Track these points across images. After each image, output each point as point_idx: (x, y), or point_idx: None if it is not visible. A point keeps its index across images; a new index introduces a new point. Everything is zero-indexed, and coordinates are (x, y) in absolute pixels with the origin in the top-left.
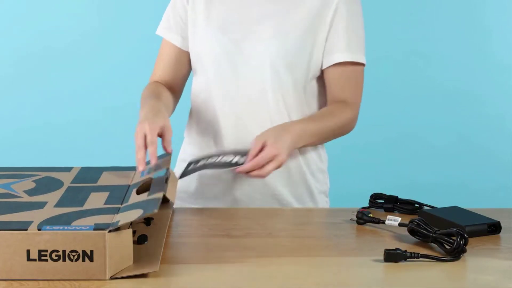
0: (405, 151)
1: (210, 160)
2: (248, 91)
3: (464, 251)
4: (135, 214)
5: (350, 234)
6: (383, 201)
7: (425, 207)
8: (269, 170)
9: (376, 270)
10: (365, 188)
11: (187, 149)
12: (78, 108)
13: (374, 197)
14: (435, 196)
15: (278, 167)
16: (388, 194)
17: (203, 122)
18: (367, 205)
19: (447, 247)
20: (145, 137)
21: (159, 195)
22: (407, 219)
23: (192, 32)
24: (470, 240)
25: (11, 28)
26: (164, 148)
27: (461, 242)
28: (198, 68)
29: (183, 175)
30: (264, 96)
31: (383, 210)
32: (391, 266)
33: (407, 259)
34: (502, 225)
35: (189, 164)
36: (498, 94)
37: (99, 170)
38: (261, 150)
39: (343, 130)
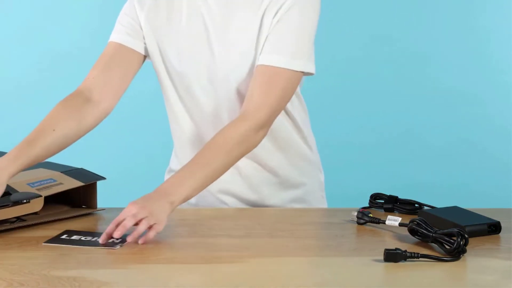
0: (405, 151)
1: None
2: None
3: (464, 251)
4: None
5: (350, 234)
6: (383, 201)
7: (425, 207)
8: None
9: (376, 270)
10: (365, 188)
11: (174, 160)
12: None
13: (374, 197)
14: (435, 196)
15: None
16: (388, 194)
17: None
18: (367, 205)
19: (447, 247)
20: None
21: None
22: (407, 219)
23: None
24: (470, 240)
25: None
26: None
27: (461, 242)
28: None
29: None
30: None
31: (383, 210)
32: (391, 266)
33: (407, 259)
34: (502, 225)
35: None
36: (498, 94)
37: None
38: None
39: (242, 149)
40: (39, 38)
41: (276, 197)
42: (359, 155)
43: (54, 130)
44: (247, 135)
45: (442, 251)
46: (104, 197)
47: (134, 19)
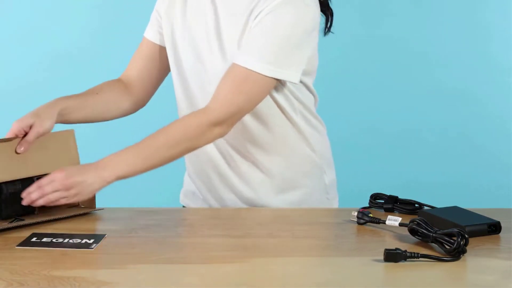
0: (405, 151)
1: None
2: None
3: (464, 251)
4: None
5: (350, 234)
6: (383, 201)
7: (425, 207)
8: (53, 196)
9: (376, 270)
10: (365, 188)
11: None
12: None
13: (374, 197)
14: (435, 196)
15: (67, 200)
16: (388, 194)
17: None
18: (367, 205)
19: (447, 247)
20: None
21: None
22: (407, 219)
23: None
24: (470, 240)
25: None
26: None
27: (462, 242)
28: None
29: None
30: None
31: (383, 210)
32: (391, 266)
33: (407, 259)
34: (502, 225)
35: None
36: (498, 94)
37: None
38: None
39: (191, 140)
40: (39, 38)
41: (273, 198)
42: (359, 155)
43: (97, 93)
44: (201, 129)
45: (442, 251)
46: (104, 196)
47: (159, 14)
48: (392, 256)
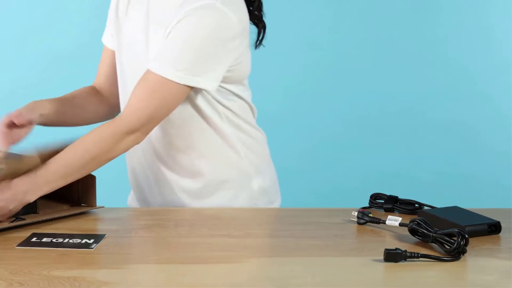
0: (405, 151)
1: None
2: None
3: (464, 251)
4: None
5: (350, 234)
6: (383, 201)
7: (425, 207)
8: None
9: (376, 270)
10: (365, 188)
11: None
12: None
13: (374, 197)
14: (435, 195)
15: None
16: (388, 194)
17: None
18: (367, 205)
19: (447, 247)
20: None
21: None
22: (407, 219)
23: None
24: (470, 240)
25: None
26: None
27: (462, 242)
28: None
29: None
30: None
31: (383, 210)
32: (391, 266)
33: (407, 259)
34: (502, 225)
35: None
36: (499, 94)
37: None
38: None
39: (108, 152)
40: (39, 38)
41: (194, 202)
42: (360, 155)
43: (74, 98)
44: (115, 139)
45: (442, 251)
46: (104, 196)
47: (110, 19)
48: (392, 256)
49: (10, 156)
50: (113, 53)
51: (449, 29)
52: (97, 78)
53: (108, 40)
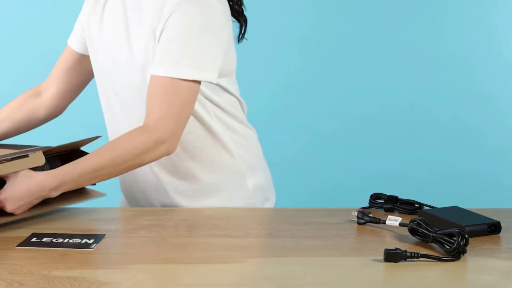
0: (405, 151)
1: None
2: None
3: (464, 251)
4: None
5: (350, 234)
6: (383, 201)
7: (425, 207)
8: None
9: (376, 270)
10: (365, 188)
11: None
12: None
13: (374, 197)
14: (435, 195)
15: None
16: (388, 194)
17: None
18: (367, 205)
19: (447, 247)
20: None
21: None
22: (407, 219)
23: None
24: (470, 240)
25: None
26: None
27: (462, 242)
28: None
29: None
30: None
31: (383, 210)
32: (391, 266)
33: (407, 259)
34: (502, 225)
35: None
36: (500, 94)
37: None
38: None
39: (137, 159)
40: (39, 38)
41: (192, 204)
42: (359, 155)
43: (16, 107)
44: (145, 147)
45: (442, 251)
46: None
47: (81, 23)
48: (392, 256)
49: (15, 153)
50: (76, 57)
51: (449, 29)
52: (48, 79)
53: (75, 45)
